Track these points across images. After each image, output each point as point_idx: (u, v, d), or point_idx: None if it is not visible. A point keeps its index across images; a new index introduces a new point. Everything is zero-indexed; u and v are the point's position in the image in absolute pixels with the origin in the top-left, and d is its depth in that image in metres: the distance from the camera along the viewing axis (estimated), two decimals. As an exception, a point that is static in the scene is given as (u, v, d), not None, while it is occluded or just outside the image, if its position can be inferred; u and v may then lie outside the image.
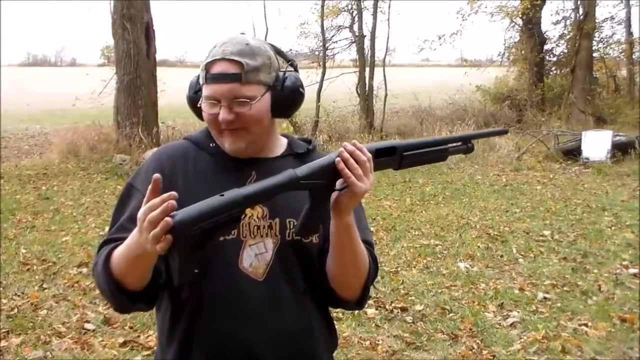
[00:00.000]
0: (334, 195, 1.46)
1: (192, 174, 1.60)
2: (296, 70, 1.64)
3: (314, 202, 1.45)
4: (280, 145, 1.69)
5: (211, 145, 1.63)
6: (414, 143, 1.59)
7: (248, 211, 1.53)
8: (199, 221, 1.26)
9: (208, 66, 1.51)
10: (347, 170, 1.40)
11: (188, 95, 1.62)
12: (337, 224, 1.49)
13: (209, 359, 1.54)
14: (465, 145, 1.68)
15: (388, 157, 1.53)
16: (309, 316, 1.61)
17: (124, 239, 1.48)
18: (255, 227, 1.55)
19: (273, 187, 1.38)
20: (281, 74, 1.59)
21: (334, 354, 1.75)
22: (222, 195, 1.30)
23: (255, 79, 1.52)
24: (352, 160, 1.41)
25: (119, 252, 1.45)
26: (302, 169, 1.42)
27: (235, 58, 1.50)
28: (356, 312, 4.67)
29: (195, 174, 1.60)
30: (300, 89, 1.63)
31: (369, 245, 1.65)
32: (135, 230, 1.33)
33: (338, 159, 1.41)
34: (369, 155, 1.44)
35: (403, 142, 1.57)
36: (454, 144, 1.67)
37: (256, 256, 1.54)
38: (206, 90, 1.52)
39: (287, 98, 1.59)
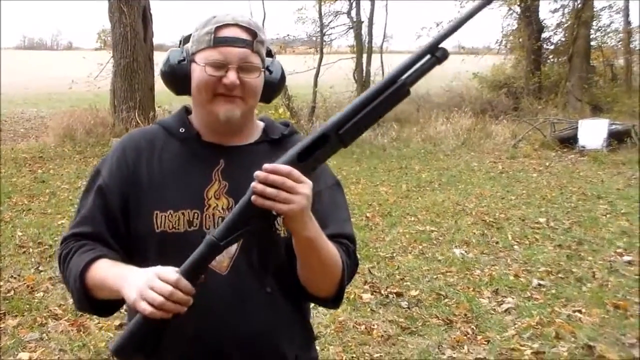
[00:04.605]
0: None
1: (157, 164, 1.55)
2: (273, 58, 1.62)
3: (258, 242, 1.39)
4: (256, 131, 1.63)
5: (181, 130, 1.59)
6: (347, 113, 1.30)
7: (212, 202, 1.50)
8: (136, 342, 1.31)
9: (217, 30, 1.46)
10: (268, 203, 1.26)
11: (169, 66, 1.55)
12: (295, 240, 1.39)
13: (174, 357, 1.48)
14: (434, 56, 1.28)
15: (324, 146, 1.30)
16: (276, 312, 1.53)
17: (86, 234, 1.52)
18: (220, 218, 1.48)
19: (195, 263, 1.30)
20: (269, 59, 1.57)
21: (315, 345, 1.71)
22: None
23: (260, 52, 1.51)
24: (268, 189, 1.26)
25: (103, 274, 1.43)
26: (220, 229, 1.30)
27: (247, 26, 1.48)
28: (351, 296, 4.69)
29: (160, 163, 1.55)
30: (284, 75, 1.62)
31: (347, 239, 1.57)
32: (130, 275, 1.36)
33: (254, 197, 1.27)
34: (286, 169, 1.26)
35: (333, 122, 1.29)
36: (415, 68, 1.29)
37: None
38: (213, 54, 1.46)
39: (275, 82, 1.59)
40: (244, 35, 1.47)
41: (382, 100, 1.30)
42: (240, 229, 1.30)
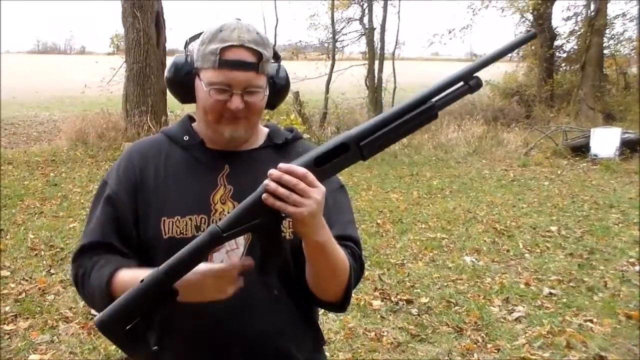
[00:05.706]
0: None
1: (162, 169, 1.57)
2: (279, 61, 1.61)
3: (261, 241, 1.32)
4: (260, 137, 1.64)
5: (184, 138, 1.60)
6: (370, 126, 1.28)
7: (218, 206, 1.51)
8: (122, 318, 1.27)
9: (222, 51, 1.44)
10: (279, 203, 1.24)
11: (173, 75, 1.55)
12: (305, 244, 1.38)
13: (178, 358, 1.50)
14: (467, 85, 1.28)
15: (343, 155, 1.28)
16: (284, 314, 1.54)
17: (96, 244, 1.52)
18: None
19: (195, 250, 1.26)
20: (275, 65, 1.57)
21: (324, 350, 1.71)
22: (142, 280, 1.26)
23: (265, 70, 1.50)
24: (281, 189, 1.24)
25: (128, 282, 1.39)
26: (225, 221, 1.26)
27: (254, 47, 1.45)
28: (361, 303, 4.69)
29: (165, 170, 1.57)
30: (289, 82, 1.62)
31: (352, 241, 1.56)
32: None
33: (265, 195, 1.25)
34: (302, 171, 1.25)
35: (355, 132, 1.28)
36: (446, 93, 1.30)
37: (227, 253, 1.48)
38: (217, 76, 1.45)
39: (280, 90, 1.59)
40: (249, 58, 1.45)
41: (409, 119, 1.28)
42: (245, 224, 1.27)
